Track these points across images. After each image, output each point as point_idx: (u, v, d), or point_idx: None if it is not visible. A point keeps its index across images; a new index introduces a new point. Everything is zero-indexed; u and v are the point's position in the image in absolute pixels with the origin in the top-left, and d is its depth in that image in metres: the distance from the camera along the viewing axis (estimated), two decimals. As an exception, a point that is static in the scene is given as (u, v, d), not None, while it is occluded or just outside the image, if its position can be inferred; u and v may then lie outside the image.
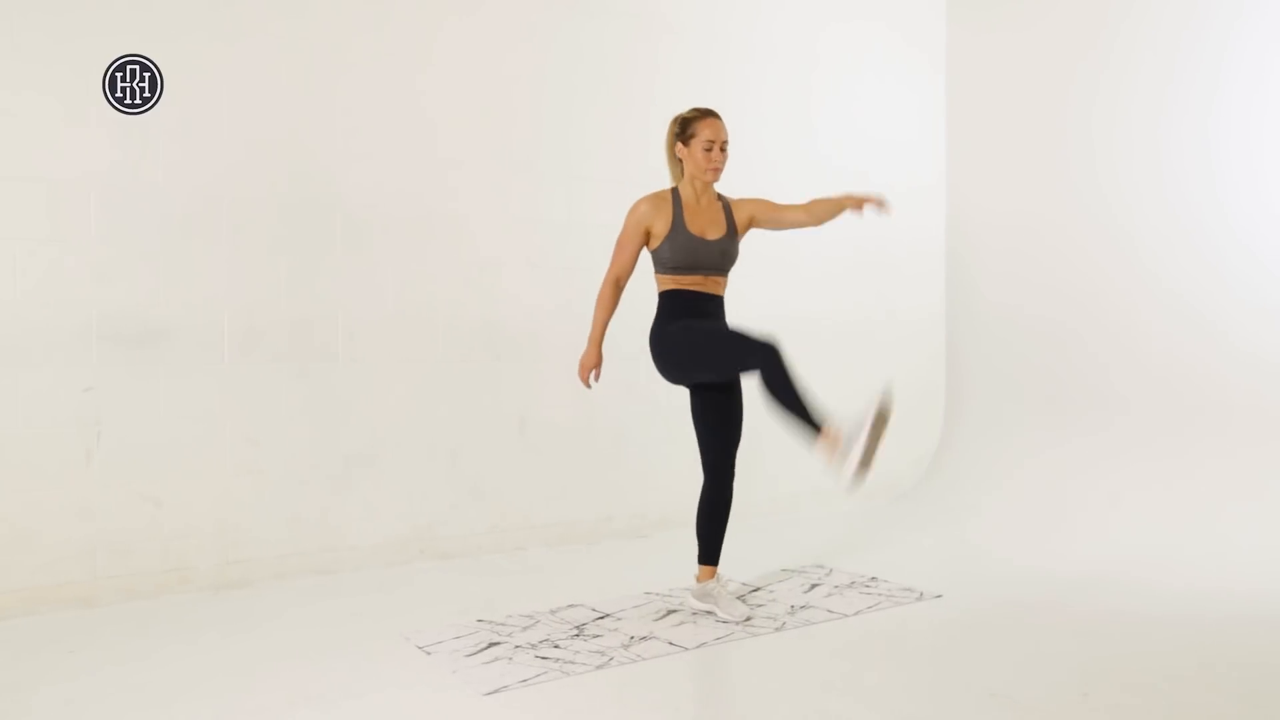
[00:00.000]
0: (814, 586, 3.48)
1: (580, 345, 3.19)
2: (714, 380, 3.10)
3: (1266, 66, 4.20)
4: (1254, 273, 4.23)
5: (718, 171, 3.08)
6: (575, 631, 2.95)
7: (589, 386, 3.18)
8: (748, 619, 3.06)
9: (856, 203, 2.96)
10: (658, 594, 3.36)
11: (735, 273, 3.24)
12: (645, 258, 3.15)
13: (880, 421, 2.70)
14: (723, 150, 3.07)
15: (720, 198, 3.17)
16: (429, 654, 2.74)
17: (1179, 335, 4.46)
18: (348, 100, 3.82)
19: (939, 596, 3.32)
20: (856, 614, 3.13)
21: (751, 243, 4.77)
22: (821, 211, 3.07)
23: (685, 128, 3.08)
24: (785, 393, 2.78)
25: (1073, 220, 4.91)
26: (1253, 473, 4.10)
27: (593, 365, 3.11)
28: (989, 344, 5.33)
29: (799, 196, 4.95)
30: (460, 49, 4.08)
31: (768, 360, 2.80)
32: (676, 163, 3.13)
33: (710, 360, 3.01)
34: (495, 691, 2.44)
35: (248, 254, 3.61)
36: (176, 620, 3.11)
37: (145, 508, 3.42)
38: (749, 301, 4.78)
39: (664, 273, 3.08)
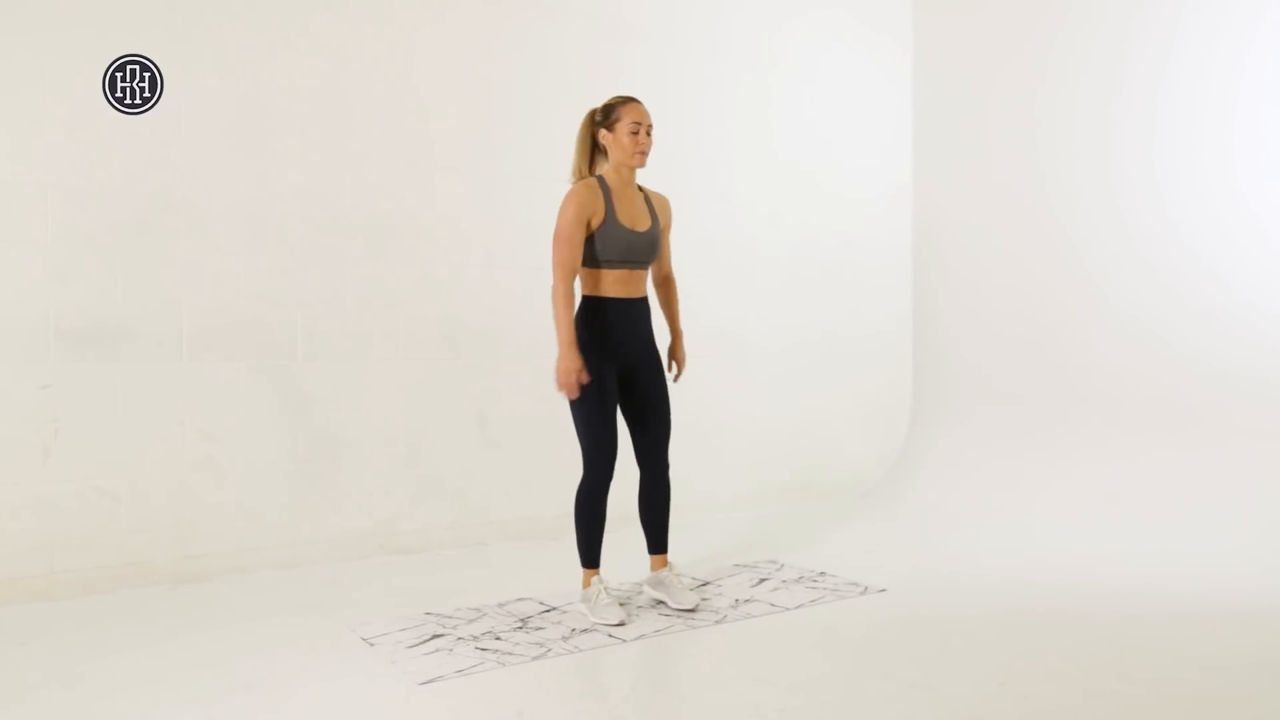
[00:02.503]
0: (762, 581, 3.54)
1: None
2: None
3: (1204, 72, 4.27)
4: (1202, 279, 4.32)
5: (645, 155, 3.03)
6: (519, 624, 3.01)
7: (578, 392, 2.96)
8: (696, 608, 3.11)
9: (673, 355, 3.30)
10: (609, 588, 3.40)
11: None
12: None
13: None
14: (648, 134, 3.03)
15: (640, 189, 3.15)
16: (372, 645, 2.80)
17: (1131, 340, 4.54)
18: (308, 101, 3.87)
19: (883, 591, 3.37)
20: (798, 607, 3.19)
21: (721, 248, 4.84)
22: (665, 298, 3.32)
23: (609, 113, 3.03)
24: (577, 514, 3.16)
25: (1035, 225, 4.98)
26: (1203, 474, 4.17)
27: (578, 368, 2.92)
28: (955, 346, 5.39)
29: (772, 195, 5.05)
30: (425, 53, 4.13)
31: (583, 480, 3.15)
32: (588, 151, 3.07)
33: (574, 418, 3.14)
34: (430, 681, 2.50)
35: (205, 252, 3.66)
36: (131, 614, 3.17)
37: (103, 503, 3.47)
38: (717, 307, 4.86)
39: (589, 267, 3.02)
